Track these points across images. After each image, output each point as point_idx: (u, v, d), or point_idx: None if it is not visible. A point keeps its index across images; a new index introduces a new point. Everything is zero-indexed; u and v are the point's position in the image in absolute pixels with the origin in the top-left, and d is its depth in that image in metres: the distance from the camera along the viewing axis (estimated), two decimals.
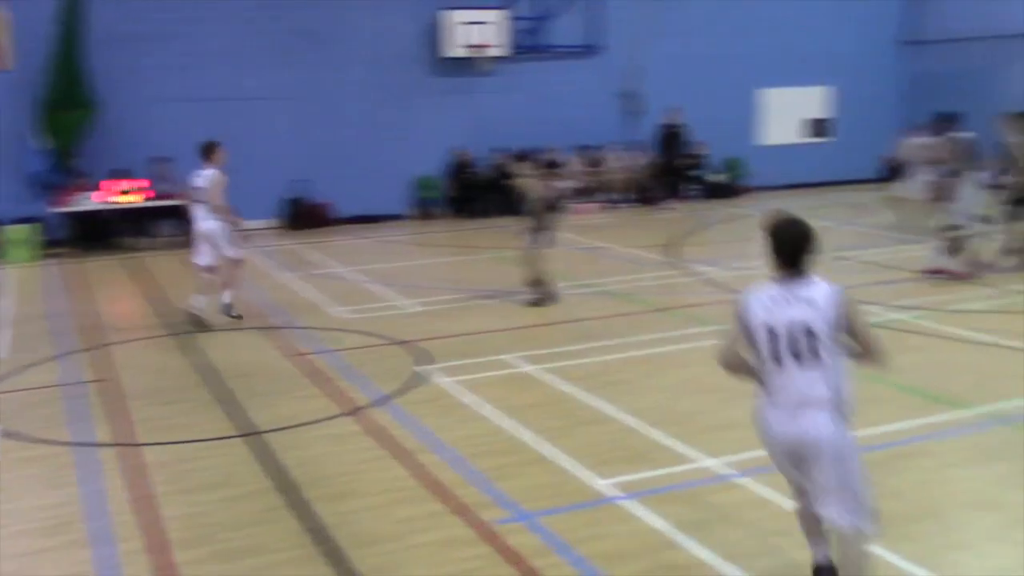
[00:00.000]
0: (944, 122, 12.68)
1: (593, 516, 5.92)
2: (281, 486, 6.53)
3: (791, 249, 4.64)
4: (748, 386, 8.22)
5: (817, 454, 4.56)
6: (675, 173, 21.08)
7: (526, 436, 7.30)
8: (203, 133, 17.71)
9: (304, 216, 18.88)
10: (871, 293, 11.66)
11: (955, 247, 12.29)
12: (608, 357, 9.39)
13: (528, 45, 20.36)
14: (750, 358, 4.76)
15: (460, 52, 19.39)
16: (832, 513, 4.58)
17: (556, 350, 9.62)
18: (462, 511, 6.02)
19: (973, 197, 12.23)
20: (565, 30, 20.69)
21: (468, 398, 8.24)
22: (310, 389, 8.67)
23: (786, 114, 22.76)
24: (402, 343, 10.09)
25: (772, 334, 4.60)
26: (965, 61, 22.46)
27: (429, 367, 9.18)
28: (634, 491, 6.22)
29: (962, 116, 12.78)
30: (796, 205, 20.06)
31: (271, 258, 15.44)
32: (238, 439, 7.47)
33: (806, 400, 4.57)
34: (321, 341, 10.32)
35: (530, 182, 12.07)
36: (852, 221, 17.53)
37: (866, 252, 14.30)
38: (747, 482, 6.32)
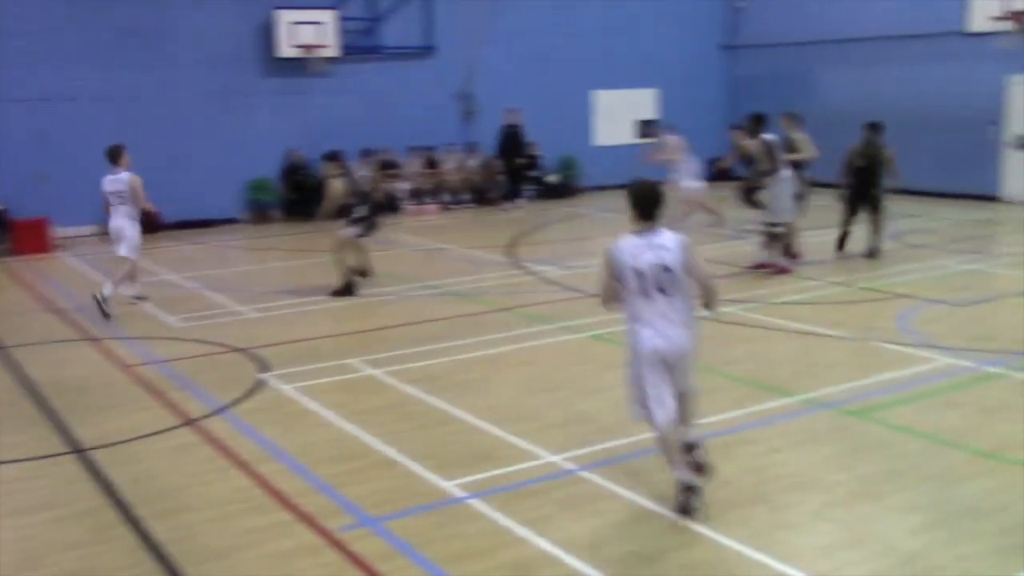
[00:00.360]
0: (754, 123, 13.25)
1: (440, 517, 5.93)
2: (115, 503, 6.27)
3: (647, 205, 5.89)
4: (591, 382, 8.47)
5: (681, 358, 5.94)
6: (515, 173, 21.34)
7: (370, 440, 7.25)
8: (20, 136, 17.08)
9: None
10: None
11: (773, 241, 12.95)
12: (452, 358, 9.43)
13: (362, 46, 20.21)
14: (621, 295, 5.93)
15: (292, 52, 19.08)
16: (689, 386, 6.03)
17: (399, 352, 9.59)
18: (307, 519, 5.93)
19: (784, 194, 12.89)
20: (399, 31, 20.66)
21: (310, 404, 8.12)
22: (144, 401, 8.35)
23: (617, 115, 23.38)
24: (240, 351, 9.84)
25: (639, 275, 5.80)
26: (781, 65, 23.67)
27: (269, 374, 8.99)
28: (480, 490, 6.27)
29: (768, 117, 13.42)
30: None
31: (97, 267, 14.72)
32: (67, 456, 7.12)
33: (672, 321, 5.85)
34: (154, 351, 9.95)
35: (334, 182, 12.35)
36: (679, 219, 18.14)
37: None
38: (591, 476, 6.47)
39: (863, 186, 13.67)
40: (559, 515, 5.89)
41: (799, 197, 13.51)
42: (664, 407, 5.85)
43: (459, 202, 21.01)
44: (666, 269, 5.76)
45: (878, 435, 7.15)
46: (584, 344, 9.86)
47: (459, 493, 6.26)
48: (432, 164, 21.00)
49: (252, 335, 10.45)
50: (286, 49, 19.02)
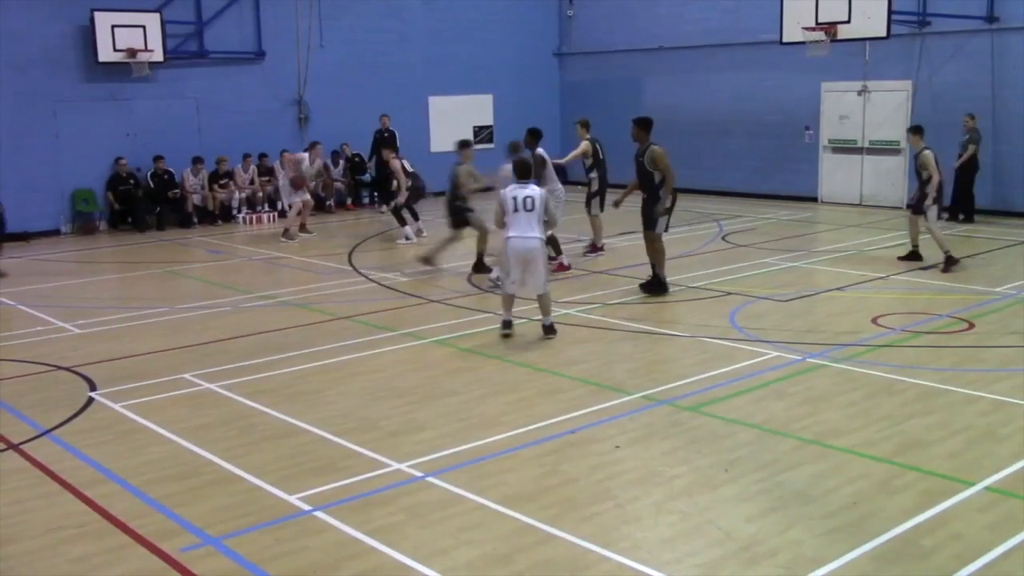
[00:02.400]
0: (529, 137, 13.71)
1: (285, 532, 5.79)
2: None
3: (522, 171, 10.16)
4: (435, 388, 8.46)
5: (534, 257, 9.79)
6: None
7: (209, 456, 7.02)
8: None
9: None
10: None
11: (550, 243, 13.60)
12: (292, 369, 9.24)
13: (187, 50, 19.61)
14: (504, 220, 9.96)
15: (114, 56, 18.30)
16: (538, 287, 9.92)
17: (237, 365, 9.33)
18: (145, 542, 5.68)
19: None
20: (226, 36, 20.15)
21: (143, 422, 7.79)
22: None
23: (454, 121, 23.45)
24: (65, 369, 9.36)
25: (515, 200, 9.85)
26: (609, 71, 24.31)
27: (98, 393, 8.59)
28: (326, 502, 6.16)
29: (540, 132, 13.96)
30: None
31: None
32: None
33: (529, 230, 9.79)
34: None
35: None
36: None
37: None
38: (436, 482, 6.46)
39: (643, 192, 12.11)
40: (408, 523, 5.86)
41: (595, 196, 14.35)
42: (512, 283, 9.96)
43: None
44: (529, 198, 9.84)
45: (713, 428, 7.42)
46: (427, 350, 9.84)
47: (304, 506, 6.13)
48: (266, 171, 20.52)
49: (78, 352, 9.96)
50: (107, 53, 18.24)
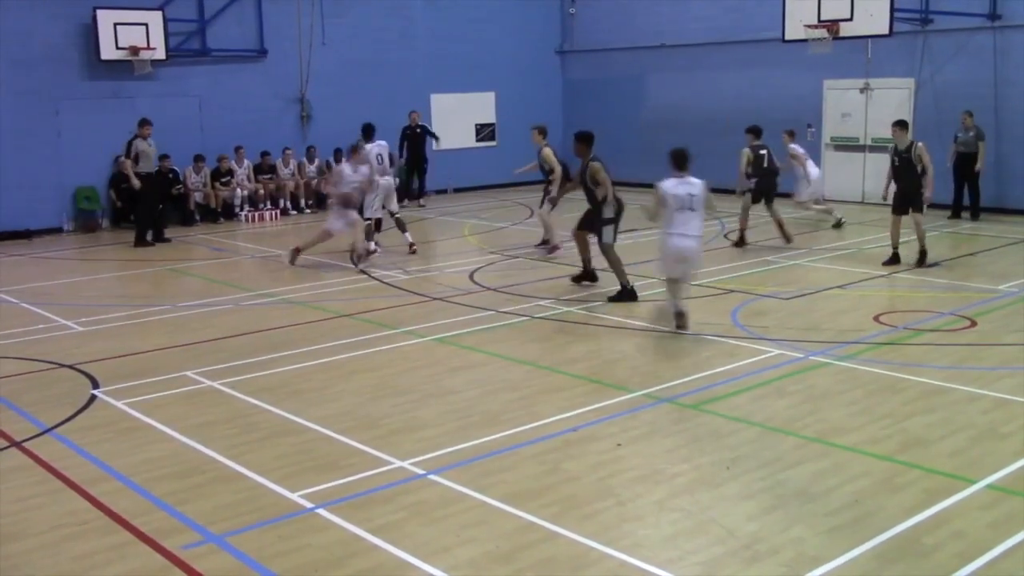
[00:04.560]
0: (364, 135, 14.59)
1: (287, 530, 5.80)
2: None
3: (681, 162, 9.88)
4: (436, 386, 8.45)
5: (694, 255, 9.90)
6: (421, 174, 21.66)
7: (211, 454, 7.03)
8: None
9: None
10: (543, 288, 12.30)
11: (368, 232, 14.39)
12: (294, 366, 9.24)
13: (190, 48, 19.61)
14: (661, 211, 9.83)
15: (117, 54, 18.31)
16: (688, 277, 10.15)
17: (239, 363, 9.34)
18: (147, 540, 5.69)
19: (372, 196, 14.68)
20: (228, 34, 20.14)
21: (146, 420, 7.80)
22: None
23: (457, 119, 23.47)
24: (68, 367, 9.37)
25: (677, 197, 9.71)
26: (612, 69, 24.28)
27: (100, 390, 8.60)
28: (328, 500, 6.17)
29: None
30: (466, 208, 20.77)
31: None
32: None
33: (691, 228, 9.76)
34: None
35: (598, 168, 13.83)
36: (517, 221, 18.41)
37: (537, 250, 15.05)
38: (438, 480, 6.47)
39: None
40: (409, 521, 5.86)
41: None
42: (672, 281, 9.97)
43: (298, 208, 20.64)
44: (693, 196, 9.72)
45: (715, 426, 7.42)
46: (428, 347, 9.85)
47: (306, 504, 6.14)
48: (268, 169, 20.53)
49: (81, 350, 9.97)
50: (110, 51, 18.25)
